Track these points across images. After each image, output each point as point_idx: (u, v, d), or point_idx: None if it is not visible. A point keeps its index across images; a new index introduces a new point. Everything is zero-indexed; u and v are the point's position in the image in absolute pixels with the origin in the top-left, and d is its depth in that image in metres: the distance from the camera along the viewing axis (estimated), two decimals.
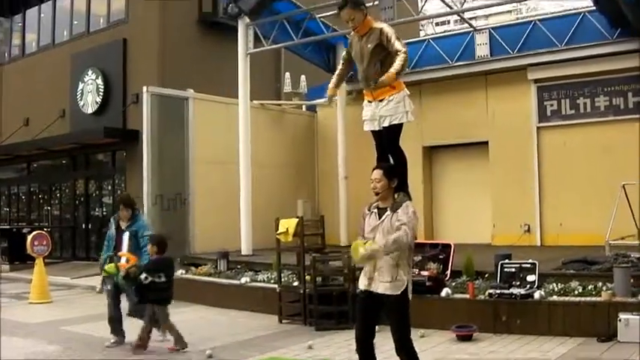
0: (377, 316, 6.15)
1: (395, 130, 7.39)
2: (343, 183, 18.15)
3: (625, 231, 12.21)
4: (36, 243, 14.94)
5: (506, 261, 10.21)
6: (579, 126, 16.12)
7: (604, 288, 9.17)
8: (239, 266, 14.03)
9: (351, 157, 17.73)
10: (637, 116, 15.27)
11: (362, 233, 6.25)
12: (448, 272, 10.61)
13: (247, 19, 16.04)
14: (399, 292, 5.95)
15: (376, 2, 14.35)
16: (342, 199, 17.89)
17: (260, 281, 12.70)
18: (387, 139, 7.41)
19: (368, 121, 7.53)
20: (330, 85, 7.89)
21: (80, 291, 16.64)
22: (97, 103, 21.43)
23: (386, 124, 7.34)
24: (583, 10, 16.30)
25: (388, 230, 5.98)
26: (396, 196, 6.21)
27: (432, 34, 30.49)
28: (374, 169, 6.26)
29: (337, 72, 7.99)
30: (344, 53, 7.98)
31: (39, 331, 11.14)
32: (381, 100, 7.36)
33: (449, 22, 62.65)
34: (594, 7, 14.75)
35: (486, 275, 10.50)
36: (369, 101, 7.51)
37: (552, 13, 25.85)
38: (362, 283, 6.17)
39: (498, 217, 16.97)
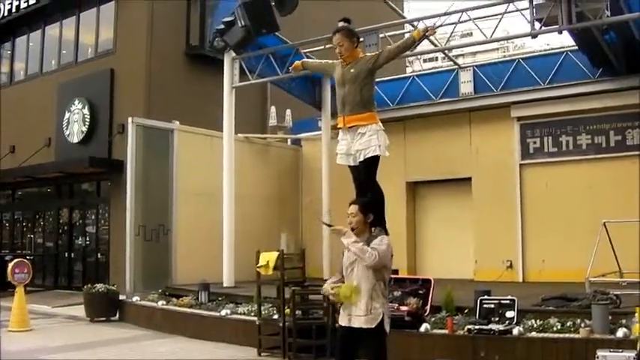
0: (355, 352, 6.18)
1: (370, 165, 7.46)
2: (327, 217, 18.14)
3: (606, 268, 12.25)
4: (17, 271, 14.86)
5: (486, 297, 10.23)
6: (562, 163, 16.27)
7: (582, 325, 9.15)
8: (220, 298, 13.98)
9: (336, 191, 17.63)
10: (619, 155, 15.48)
11: (341, 269, 6.33)
12: (428, 307, 10.56)
13: (233, 53, 16.12)
14: (373, 326, 5.98)
15: (361, 39, 14.45)
16: (325, 232, 17.85)
17: (241, 313, 12.65)
18: (364, 174, 7.49)
19: (343, 155, 7.64)
20: (298, 62, 8.51)
21: (61, 320, 16.51)
22: (82, 132, 21.45)
23: (361, 159, 7.43)
24: (566, 49, 16.52)
25: (364, 266, 6.06)
26: (372, 230, 6.27)
27: (420, 70, 30.78)
28: (350, 204, 6.34)
29: (312, 60, 8.43)
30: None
31: None
32: (350, 128, 7.44)
33: (437, 58, 63.10)
34: (577, 47, 14.94)
35: (466, 311, 10.47)
36: (340, 128, 7.62)
37: (539, 51, 26.14)
38: (341, 320, 6.22)
39: (481, 252, 17.01)
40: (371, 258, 5.98)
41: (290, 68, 8.70)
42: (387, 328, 6.11)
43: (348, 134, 7.60)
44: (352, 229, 6.22)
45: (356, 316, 6.03)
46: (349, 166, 7.67)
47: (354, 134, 7.53)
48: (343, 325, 6.18)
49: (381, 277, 6.16)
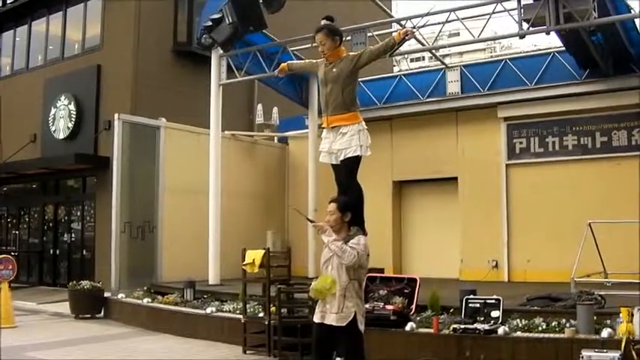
0: (331, 349, 6.17)
1: (350, 164, 7.44)
2: (313, 215, 18.10)
3: (591, 269, 12.31)
4: (1, 267, 14.80)
5: (471, 296, 10.24)
6: (548, 164, 16.28)
7: (567, 325, 9.19)
8: (205, 296, 13.97)
9: (322, 189, 17.62)
10: (604, 155, 15.53)
11: None
12: (413, 306, 10.58)
13: (220, 50, 16.11)
14: (344, 324, 5.98)
15: (348, 38, 14.46)
16: (311, 231, 17.83)
17: (226, 311, 12.64)
18: (344, 173, 7.48)
19: (325, 154, 7.63)
20: (284, 64, 8.37)
21: (46, 317, 16.46)
22: (68, 128, 21.34)
23: (342, 158, 7.42)
24: (553, 50, 16.57)
25: (339, 264, 6.06)
26: (350, 229, 6.26)
27: (406, 69, 30.82)
28: (329, 202, 6.33)
29: (297, 62, 8.41)
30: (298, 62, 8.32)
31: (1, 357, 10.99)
32: (333, 128, 7.44)
33: (423, 58, 63.22)
34: (564, 48, 14.98)
35: (451, 310, 10.50)
36: (323, 128, 7.63)
37: (526, 51, 26.25)
38: (316, 317, 6.21)
39: (466, 252, 17.03)
40: (350, 257, 5.97)
41: (276, 72, 8.69)
42: (362, 327, 6.10)
43: (331, 133, 7.60)
44: (330, 227, 6.22)
45: (329, 314, 6.04)
46: (332, 165, 7.67)
47: (336, 133, 7.53)
48: (316, 321, 6.17)
49: (357, 276, 6.15)
